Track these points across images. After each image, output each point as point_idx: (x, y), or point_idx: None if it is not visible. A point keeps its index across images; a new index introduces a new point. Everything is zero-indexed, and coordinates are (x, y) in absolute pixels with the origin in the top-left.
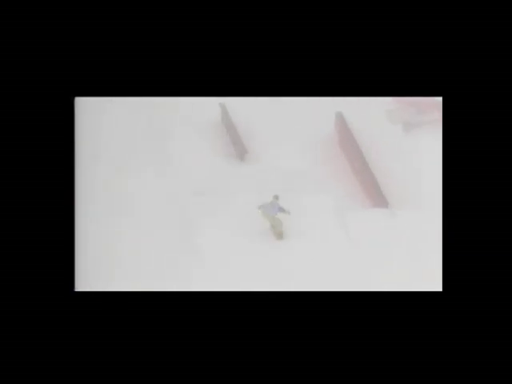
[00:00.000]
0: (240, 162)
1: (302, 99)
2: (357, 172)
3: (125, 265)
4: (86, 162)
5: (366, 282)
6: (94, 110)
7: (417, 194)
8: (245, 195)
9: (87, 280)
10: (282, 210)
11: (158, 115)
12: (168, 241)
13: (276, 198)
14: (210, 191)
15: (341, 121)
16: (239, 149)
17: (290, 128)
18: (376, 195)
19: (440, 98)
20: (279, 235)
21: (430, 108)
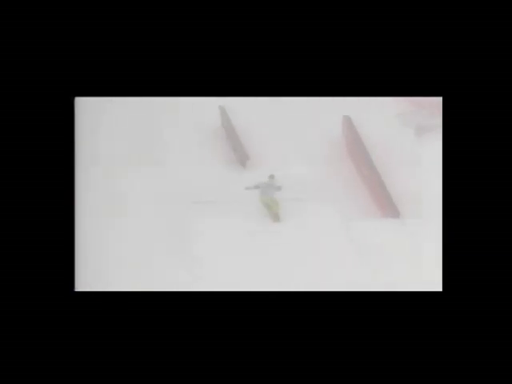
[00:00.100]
0: (241, 168)
1: (305, 102)
2: (365, 179)
3: (125, 265)
4: (85, 162)
5: (366, 281)
6: (94, 109)
7: (417, 194)
8: (246, 202)
9: (87, 280)
10: (279, 189)
11: (158, 116)
12: (168, 241)
13: (272, 177)
14: (209, 195)
15: (348, 124)
16: (240, 155)
17: (293, 131)
18: (386, 204)
19: None
20: (275, 217)
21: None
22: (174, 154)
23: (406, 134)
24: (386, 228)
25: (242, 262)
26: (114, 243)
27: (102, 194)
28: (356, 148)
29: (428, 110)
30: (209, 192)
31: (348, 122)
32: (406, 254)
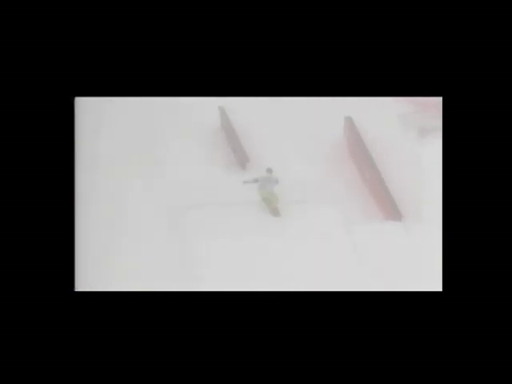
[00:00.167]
0: (241, 170)
1: (305, 102)
2: (367, 181)
3: (125, 265)
4: (86, 162)
5: (366, 281)
6: (94, 109)
7: (417, 194)
8: (246, 202)
9: (87, 280)
10: (277, 182)
11: (158, 116)
12: (168, 241)
13: (270, 171)
14: (209, 195)
15: (350, 126)
16: (240, 156)
17: (293, 131)
18: (389, 208)
19: None
20: (274, 211)
21: None
22: (174, 154)
23: (407, 134)
24: (386, 228)
25: (242, 262)
26: (114, 243)
27: (102, 194)
28: (358, 150)
29: (431, 111)
30: (209, 192)
31: (350, 124)
32: (405, 254)
